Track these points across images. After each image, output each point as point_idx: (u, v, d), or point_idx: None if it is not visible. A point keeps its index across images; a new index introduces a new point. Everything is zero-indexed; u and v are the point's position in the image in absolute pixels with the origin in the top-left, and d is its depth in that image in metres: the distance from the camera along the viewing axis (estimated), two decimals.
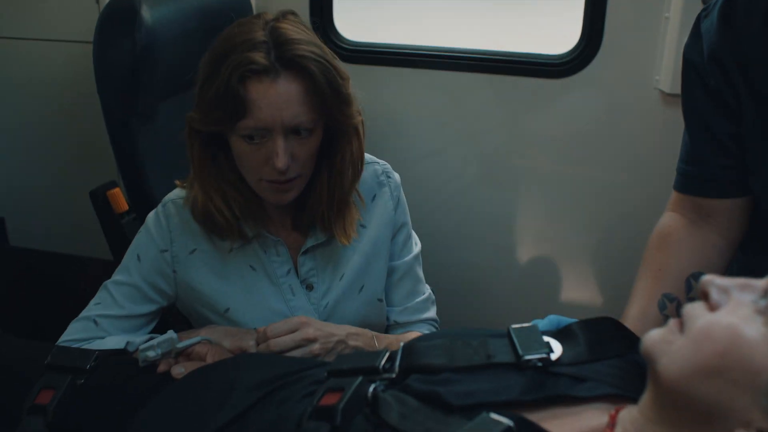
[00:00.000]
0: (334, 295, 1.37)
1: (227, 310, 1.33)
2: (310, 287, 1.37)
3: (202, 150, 1.28)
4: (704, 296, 0.74)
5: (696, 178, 1.26)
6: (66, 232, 2.11)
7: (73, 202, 1.90)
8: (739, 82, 1.15)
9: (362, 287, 1.39)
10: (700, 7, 1.74)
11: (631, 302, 1.28)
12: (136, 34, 1.51)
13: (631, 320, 1.25)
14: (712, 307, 0.73)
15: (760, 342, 0.67)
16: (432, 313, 1.50)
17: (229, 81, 1.16)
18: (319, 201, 1.31)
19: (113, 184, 1.60)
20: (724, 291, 0.73)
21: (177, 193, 1.36)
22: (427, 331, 1.45)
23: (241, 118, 1.18)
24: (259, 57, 1.16)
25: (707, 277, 0.74)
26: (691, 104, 1.25)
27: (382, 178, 1.43)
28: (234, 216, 1.29)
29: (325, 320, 1.36)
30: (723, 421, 0.69)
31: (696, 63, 1.21)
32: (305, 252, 1.36)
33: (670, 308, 1.22)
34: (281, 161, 1.19)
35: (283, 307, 1.34)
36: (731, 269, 1.28)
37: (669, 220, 1.31)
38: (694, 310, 0.74)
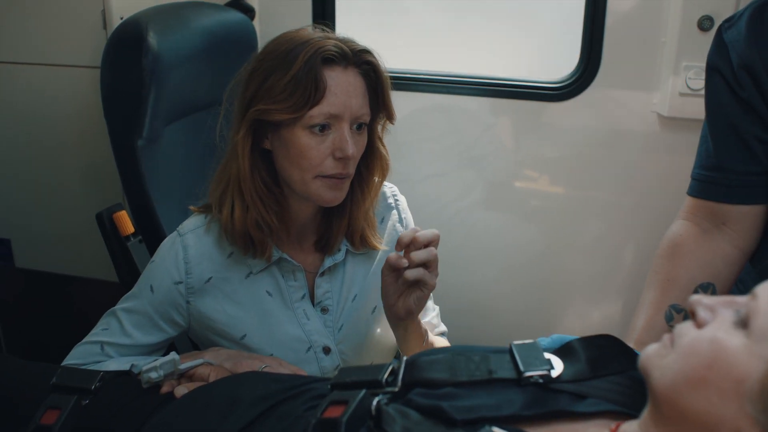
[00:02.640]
0: (348, 317, 1.38)
1: (243, 336, 1.33)
2: (325, 310, 1.37)
3: (251, 157, 1.27)
4: (692, 315, 0.78)
5: (716, 183, 1.27)
6: (72, 254, 2.12)
7: (80, 224, 1.92)
8: None
9: (375, 308, 1.40)
10: (696, 32, 1.79)
11: (638, 312, 1.28)
12: (144, 60, 1.53)
13: (638, 331, 1.26)
14: (699, 324, 0.76)
15: (741, 351, 0.70)
16: (443, 326, 1.52)
17: (309, 64, 1.20)
18: (357, 208, 1.35)
19: (119, 207, 1.61)
20: (711, 309, 0.77)
21: (194, 222, 1.34)
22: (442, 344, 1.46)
23: (317, 102, 1.21)
24: (333, 46, 1.22)
25: (695, 297, 0.79)
26: (717, 110, 1.26)
27: (390, 201, 1.46)
28: (270, 230, 1.29)
29: (340, 342, 1.37)
30: (715, 430, 0.71)
31: (722, 70, 1.23)
32: (323, 273, 1.37)
33: (677, 319, 1.23)
34: (351, 147, 1.23)
35: (299, 332, 1.35)
36: (746, 283, 1.29)
37: (680, 228, 1.32)
38: (683, 328, 0.78)
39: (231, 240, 1.30)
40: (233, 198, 1.28)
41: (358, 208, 1.35)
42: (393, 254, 1.24)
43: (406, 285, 1.24)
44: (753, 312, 0.72)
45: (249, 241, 1.29)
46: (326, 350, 1.37)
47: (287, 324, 1.35)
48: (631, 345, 1.18)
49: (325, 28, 1.30)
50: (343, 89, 1.23)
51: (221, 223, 1.30)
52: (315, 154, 1.24)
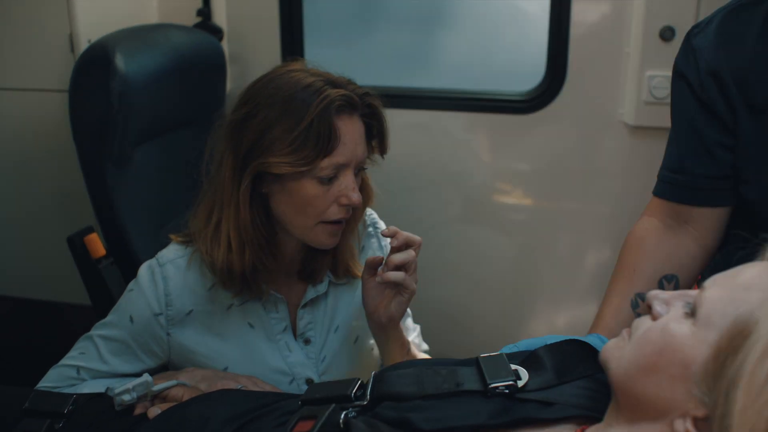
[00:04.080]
0: (331, 348, 1.37)
1: (225, 369, 1.31)
2: (307, 341, 1.35)
3: (251, 205, 1.23)
4: (649, 309, 0.82)
5: (680, 185, 1.29)
6: (44, 279, 2.10)
7: (51, 248, 1.90)
8: (735, 96, 1.19)
9: (357, 338, 1.39)
10: (658, 42, 1.82)
11: (605, 301, 1.31)
12: (111, 83, 1.53)
13: (605, 318, 1.28)
14: (654, 317, 0.81)
15: (688, 338, 0.75)
16: (425, 345, 1.51)
17: (322, 116, 1.16)
18: (344, 240, 1.32)
19: (90, 230, 1.60)
20: (666, 303, 0.82)
21: (175, 252, 1.30)
22: None
23: (327, 154, 1.18)
24: (342, 95, 1.18)
25: (652, 292, 0.84)
26: (681, 114, 1.28)
27: (370, 229, 1.44)
28: (267, 271, 1.26)
29: (323, 373, 1.35)
30: (667, 414, 0.75)
31: (688, 75, 1.25)
32: (305, 305, 1.35)
33: (642, 307, 1.25)
34: (358, 196, 1.22)
35: (281, 364, 1.33)
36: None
37: (646, 224, 1.34)
38: (640, 321, 0.83)
39: (228, 286, 1.26)
40: (229, 241, 1.23)
41: (345, 240, 1.34)
42: (371, 256, 1.24)
43: (386, 288, 1.24)
44: (700, 302, 0.77)
45: (245, 285, 1.26)
46: (309, 382, 1.34)
47: (269, 356, 1.33)
48: (597, 331, 1.21)
49: (307, 62, 1.28)
50: (351, 138, 1.20)
51: (214, 268, 1.25)
52: (321, 202, 1.21)
